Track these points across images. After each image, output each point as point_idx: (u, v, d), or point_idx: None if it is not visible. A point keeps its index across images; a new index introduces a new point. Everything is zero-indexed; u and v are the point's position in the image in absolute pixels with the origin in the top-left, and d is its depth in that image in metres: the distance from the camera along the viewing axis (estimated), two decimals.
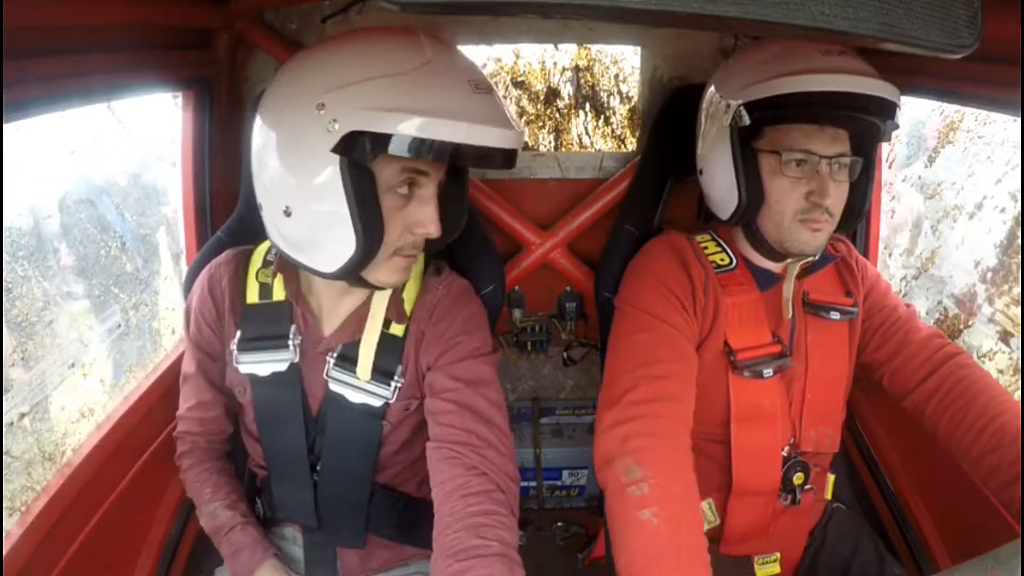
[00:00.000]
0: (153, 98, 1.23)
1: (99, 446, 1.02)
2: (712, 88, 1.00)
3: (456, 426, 0.81)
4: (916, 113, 1.75)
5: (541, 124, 1.85)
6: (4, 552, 0.82)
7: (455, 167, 0.83)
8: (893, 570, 1.06)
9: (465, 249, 1.06)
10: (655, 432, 0.85)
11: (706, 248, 1.03)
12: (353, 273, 0.77)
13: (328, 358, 0.89)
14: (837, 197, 0.93)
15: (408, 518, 0.98)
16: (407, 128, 0.68)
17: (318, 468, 0.94)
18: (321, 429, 0.92)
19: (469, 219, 1.10)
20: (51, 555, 0.90)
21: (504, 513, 0.76)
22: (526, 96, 1.84)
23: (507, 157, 0.75)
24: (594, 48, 1.73)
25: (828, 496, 1.12)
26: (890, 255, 1.80)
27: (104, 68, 0.92)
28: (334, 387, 0.89)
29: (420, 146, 0.68)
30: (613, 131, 1.83)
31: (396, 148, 0.69)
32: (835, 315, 1.02)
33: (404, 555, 1.01)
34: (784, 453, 1.00)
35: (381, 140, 0.69)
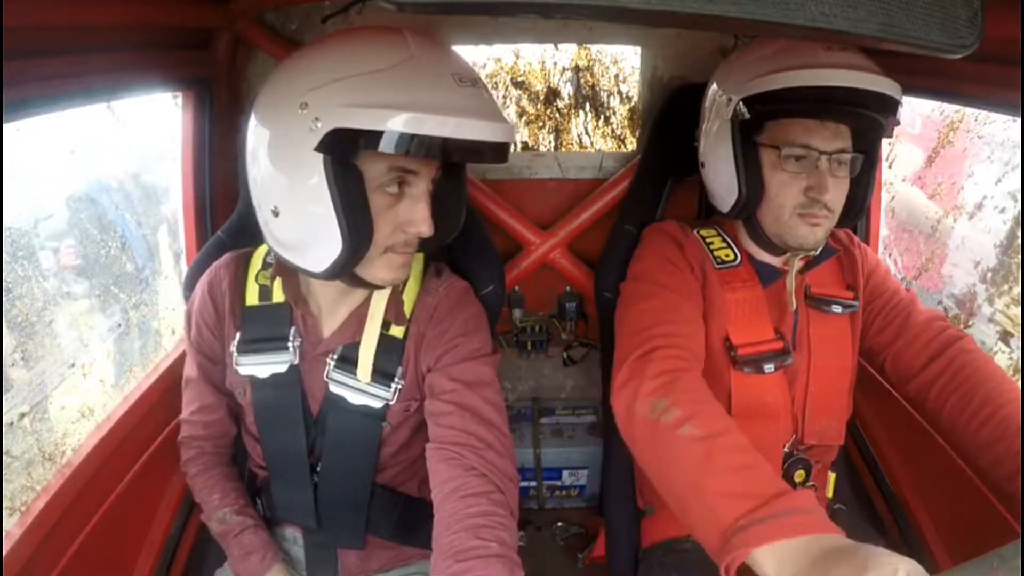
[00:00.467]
0: (153, 98, 1.23)
1: (99, 446, 1.02)
2: (714, 83, 1.00)
3: (455, 427, 0.81)
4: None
5: (541, 124, 1.85)
6: (4, 552, 0.82)
7: (449, 164, 0.82)
8: None
9: (465, 249, 1.06)
10: (667, 370, 0.82)
11: (712, 243, 1.04)
12: (343, 273, 0.77)
13: (328, 360, 0.89)
14: (836, 193, 0.93)
15: (408, 519, 0.98)
16: (389, 124, 0.67)
17: (318, 469, 0.94)
18: (321, 430, 0.92)
19: (469, 219, 1.10)
20: (51, 555, 0.90)
21: (503, 514, 0.76)
22: (526, 96, 1.83)
23: (497, 150, 0.73)
24: (594, 48, 1.73)
25: (829, 495, 1.12)
26: (890, 255, 1.79)
27: (104, 68, 0.92)
28: (334, 388, 0.89)
29: (403, 142, 0.67)
30: (613, 131, 1.83)
31: (379, 145, 0.68)
32: (837, 308, 1.02)
33: (404, 556, 1.01)
34: (786, 449, 1.00)
35: (364, 137, 0.68)
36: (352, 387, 0.89)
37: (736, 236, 1.05)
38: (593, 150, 1.79)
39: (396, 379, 0.88)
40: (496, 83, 1.80)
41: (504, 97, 1.83)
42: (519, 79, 1.82)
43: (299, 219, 0.75)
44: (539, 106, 1.83)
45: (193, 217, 1.29)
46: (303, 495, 0.95)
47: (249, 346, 0.92)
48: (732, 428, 0.75)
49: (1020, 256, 1.54)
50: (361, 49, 0.73)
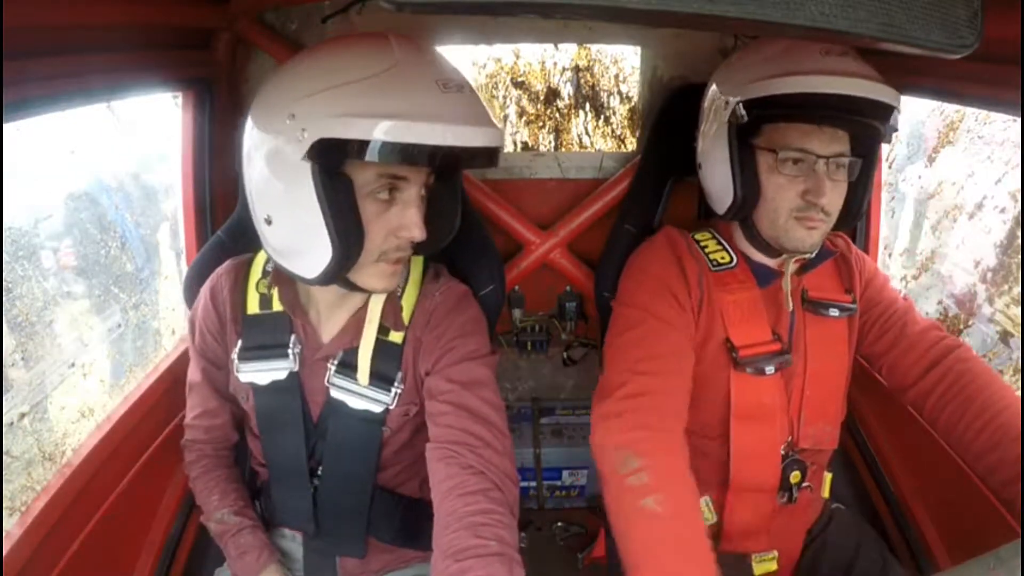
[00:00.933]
0: (153, 97, 1.23)
1: (99, 446, 1.02)
2: (714, 85, 1.00)
3: (453, 426, 0.81)
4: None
5: (541, 124, 1.85)
6: (4, 552, 0.82)
7: (442, 168, 0.82)
8: (895, 571, 1.06)
9: (465, 249, 1.06)
10: (648, 425, 0.86)
11: (706, 246, 1.04)
12: (335, 278, 0.78)
13: (329, 365, 0.89)
14: (833, 196, 0.93)
15: (410, 521, 0.98)
16: (373, 133, 0.67)
17: (319, 473, 0.94)
18: (322, 434, 0.93)
19: (469, 219, 1.10)
20: (51, 555, 0.90)
21: (502, 512, 0.76)
22: (526, 96, 1.83)
23: (486, 155, 0.74)
24: (594, 48, 1.73)
25: (825, 495, 1.12)
26: (890, 255, 1.80)
27: (104, 68, 0.92)
28: (335, 394, 0.90)
29: (388, 151, 0.68)
30: (613, 131, 1.83)
31: (364, 154, 0.68)
32: (834, 312, 1.02)
33: (405, 558, 1.01)
34: (782, 451, 1.00)
35: (349, 146, 0.69)
36: (353, 392, 0.89)
37: (732, 238, 1.05)
38: (593, 150, 1.79)
39: (396, 384, 0.89)
40: (496, 83, 1.81)
41: (504, 97, 1.84)
42: (519, 79, 1.82)
43: (290, 227, 0.76)
44: (539, 106, 1.83)
45: (193, 217, 1.29)
46: (302, 501, 0.95)
47: (250, 353, 0.92)
48: (693, 510, 0.81)
49: (1020, 256, 1.54)
50: (346, 58, 0.73)
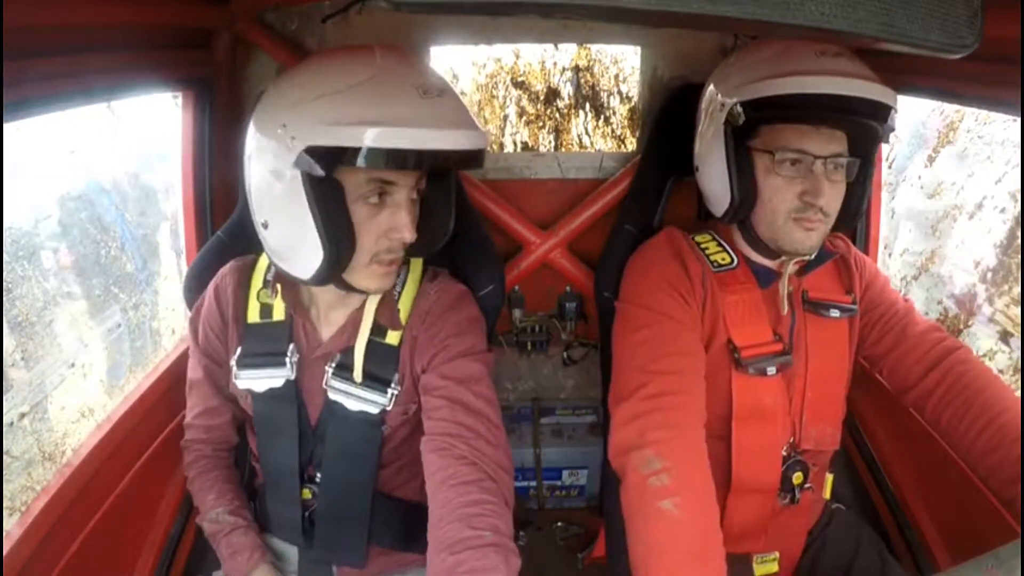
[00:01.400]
0: (153, 97, 1.23)
1: (99, 446, 1.02)
2: (711, 86, 1.00)
3: (446, 419, 0.82)
4: None
5: (541, 124, 1.85)
6: (4, 552, 0.82)
7: (429, 171, 0.84)
8: (895, 571, 1.06)
9: (465, 249, 1.06)
10: (671, 424, 0.85)
11: (707, 248, 1.03)
12: (329, 279, 0.81)
13: (327, 368, 0.90)
14: (832, 197, 0.93)
15: (411, 525, 0.97)
16: (356, 140, 0.71)
17: (317, 480, 0.95)
18: (320, 439, 0.93)
19: (469, 219, 1.11)
20: (51, 555, 0.90)
21: (495, 502, 0.76)
22: (526, 96, 1.83)
23: (470, 158, 0.77)
24: (594, 48, 1.73)
25: (827, 495, 1.12)
26: (890, 255, 1.80)
27: (104, 68, 0.93)
28: (333, 396, 0.90)
29: (372, 156, 0.71)
30: (613, 131, 1.83)
31: (348, 160, 0.72)
32: (835, 313, 1.02)
33: (404, 561, 1.01)
34: (784, 452, 1.00)
35: (336, 154, 0.72)
36: (350, 393, 0.90)
37: (731, 239, 1.05)
38: (593, 150, 1.79)
39: (393, 385, 0.89)
40: (496, 83, 1.81)
41: (504, 97, 1.84)
42: (519, 79, 1.82)
43: (285, 231, 0.80)
44: (539, 106, 1.83)
45: (193, 217, 1.29)
46: (292, 511, 0.96)
47: (248, 361, 0.93)
48: (711, 517, 0.81)
49: (1020, 256, 1.54)
50: (331, 69, 0.77)
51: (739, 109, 0.91)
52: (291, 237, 0.79)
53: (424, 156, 0.73)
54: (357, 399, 0.89)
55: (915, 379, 1.00)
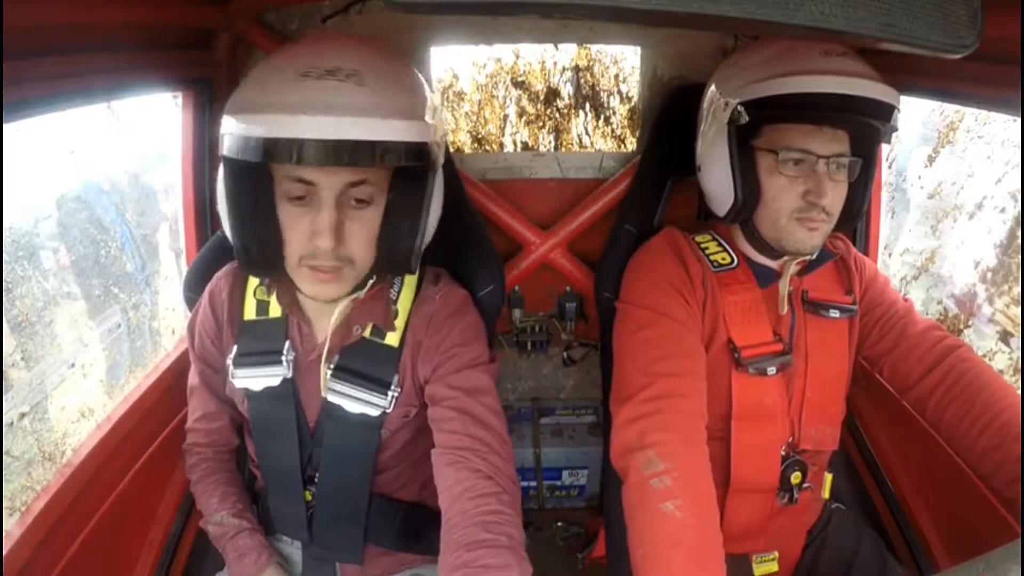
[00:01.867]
0: (153, 97, 1.23)
1: (99, 446, 1.02)
2: (713, 86, 1.00)
3: (458, 432, 0.82)
4: None
5: (541, 124, 1.86)
6: (4, 552, 0.82)
7: (402, 176, 0.78)
8: (895, 571, 1.06)
9: (465, 249, 1.06)
10: (672, 426, 0.85)
11: (707, 248, 1.03)
12: (252, 272, 0.82)
13: (325, 369, 0.89)
14: (834, 197, 0.93)
15: (411, 525, 0.98)
16: (229, 128, 0.69)
17: (316, 481, 0.94)
18: (319, 441, 0.93)
19: (469, 219, 1.11)
20: (51, 555, 0.90)
21: (511, 513, 0.77)
22: (526, 96, 1.84)
23: (404, 151, 0.69)
24: (594, 48, 1.74)
25: (826, 495, 1.12)
26: (890, 255, 1.80)
27: (104, 68, 0.92)
28: (332, 398, 0.90)
29: (241, 148, 0.68)
30: (613, 131, 1.83)
31: (225, 149, 0.70)
32: (835, 313, 1.02)
33: (405, 561, 1.01)
34: (782, 452, 1.00)
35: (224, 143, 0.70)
36: (349, 395, 0.89)
37: (732, 239, 1.05)
38: (593, 150, 1.79)
39: (392, 387, 0.89)
40: (496, 83, 1.81)
41: (504, 97, 1.84)
42: (519, 79, 1.82)
43: (224, 221, 0.79)
44: (539, 106, 1.84)
45: (193, 217, 1.29)
46: (296, 509, 0.95)
47: (244, 359, 0.93)
48: (712, 520, 0.81)
49: (1020, 256, 1.54)
50: (266, 62, 0.75)
51: (742, 109, 0.91)
52: (227, 228, 0.78)
53: (307, 147, 0.65)
54: (357, 401, 0.89)
55: (916, 378, 1.00)
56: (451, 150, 1.13)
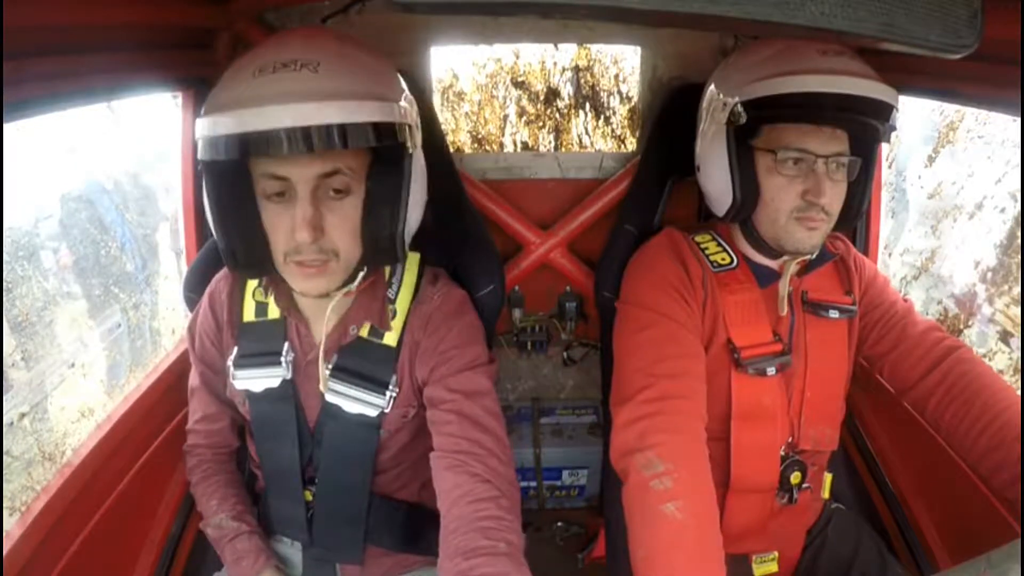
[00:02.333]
0: (152, 97, 1.23)
1: (99, 446, 1.02)
2: (712, 86, 1.00)
3: (457, 435, 0.82)
4: None
5: (541, 124, 1.86)
6: (4, 552, 0.82)
7: (378, 170, 0.79)
8: (895, 571, 1.06)
9: (465, 249, 1.06)
10: (672, 427, 0.85)
11: (707, 248, 1.04)
12: (240, 270, 0.82)
13: (324, 370, 0.89)
14: (833, 196, 0.93)
15: (410, 526, 0.98)
16: (198, 131, 0.70)
17: (316, 481, 0.94)
18: (318, 442, 0.93)
19: (469, 219, 1.11)
20: (51, 555, 0.90)
21: (511, 519, 0.77)
22: (526, 96, 1.84)
23: (313, 135, 0.67)
24: (594, 48, 1.74)
25: (825, 495, 1.12)
26: (890, 255, 1.80)
27: (104, 68, 0.92)
28: (331, 398, 0.90)
29: (202, 149, 0.71)
30: (613, 131, 1.83)
31: (199, 153, 0.71)
32: (834, 313, 1.02)
33: (406, 562, 1.01)
34: (782, 452, 1.00)
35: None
36: (348, 395, 0.89)
37: (732, 239, 1.05)
38: (593, 150, 1.80)
39: (390, 387, 0.89)
40: (496, 83, 1.81)
41: (504, 97, 1.84)
42: (519, 79, 1.82)
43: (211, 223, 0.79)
44: (539, 106, 1.84)
45: (193, 217, 1.29)
46: (296, 509, 0.96)
47: (244, 361, 0.93)
48: (712, 521, 0.81)
49: (1020, 256, 1.54)
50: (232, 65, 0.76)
51: (740, 109, 0.91)
52: (213, 231, 0.79)
53: (269, 139, 0.66)
54: (355, 401, 0.89)
55: (916, 379, 1.00)
56: (451, 150, 1.13)
